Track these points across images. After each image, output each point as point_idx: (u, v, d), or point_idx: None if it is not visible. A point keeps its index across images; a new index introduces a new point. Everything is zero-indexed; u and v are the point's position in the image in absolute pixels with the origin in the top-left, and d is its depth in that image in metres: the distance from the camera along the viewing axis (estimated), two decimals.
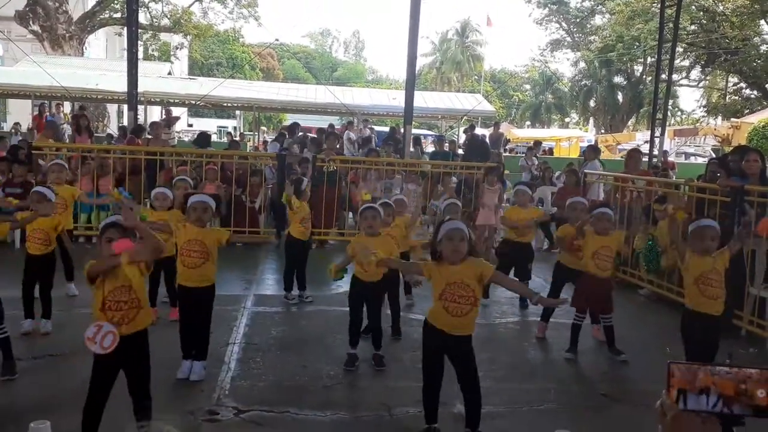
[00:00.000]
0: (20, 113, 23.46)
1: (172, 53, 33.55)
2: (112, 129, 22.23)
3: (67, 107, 20.16)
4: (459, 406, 4.16)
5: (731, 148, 10.09)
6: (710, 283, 4.17)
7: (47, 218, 5.22)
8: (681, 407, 1.16)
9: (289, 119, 28.63)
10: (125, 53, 12.64)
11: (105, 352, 3.15)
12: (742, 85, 35.28)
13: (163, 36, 32.44)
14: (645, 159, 14.36)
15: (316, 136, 12.73)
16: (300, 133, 13.37)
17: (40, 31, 26.03)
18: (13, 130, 17.97)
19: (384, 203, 5.55)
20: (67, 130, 15.34)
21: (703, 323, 4.22)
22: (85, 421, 3.25)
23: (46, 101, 18.16)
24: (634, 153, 9.39)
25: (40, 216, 5.08)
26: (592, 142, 27.80)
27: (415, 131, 22.45)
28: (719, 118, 35.99)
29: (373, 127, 24.78)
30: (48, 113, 16.82)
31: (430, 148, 18.52)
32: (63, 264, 6.06)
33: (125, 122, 14.40)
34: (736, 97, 35.57)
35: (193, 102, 20.75)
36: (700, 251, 4.22)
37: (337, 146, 11.77)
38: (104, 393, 3.30)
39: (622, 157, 17.78)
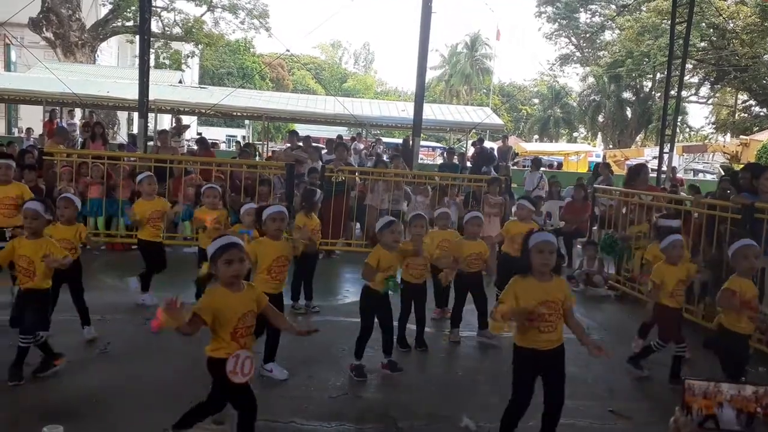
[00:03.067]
0: (31, 119, 23.65)
1: (183, 62, 33.75)
2: (122, 136, 22.34)
3: (78, 114, 20.29)
4: (466, 420, 4.15)
5: (740, 166, 10.06)
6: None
7: (70, 226, 5.16)
8: (696, 423, 1.15)
9: (298, 130, 28.72)
10: (137, 61, 12.74)
11: (246, 379, 3.21)
12: (752, 102, 35.25)
13: (175, 45, 32.63)
14: (653, 175, 14.35)
15: (323, 146, 12.77)
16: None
17: (53, 38, 26.26)
18: (24, 135, 18.12)
19: (417, 215, 5.56)
20: (79, 137, 15.47)
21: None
22: None
23: (57, 107, 18.29)
24: (640, 168, 9.37)
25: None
26: (601, 157, 27.82)
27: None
28: (728, 135, 35.93)
29: (381, 138, 24.89)
30: (59, 120, 16.93)
31: (438, 161, 18.56)
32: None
33: (135, 130, 14.48)
34: (746, 115, 35.53)
35: (203, 111, 20.86)
36: (744, 271, 4.31)
37: (348, 158, 11.81)
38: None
39: None
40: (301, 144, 11.97)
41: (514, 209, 9.65)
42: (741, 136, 26.55)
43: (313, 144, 12.74)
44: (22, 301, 4.48)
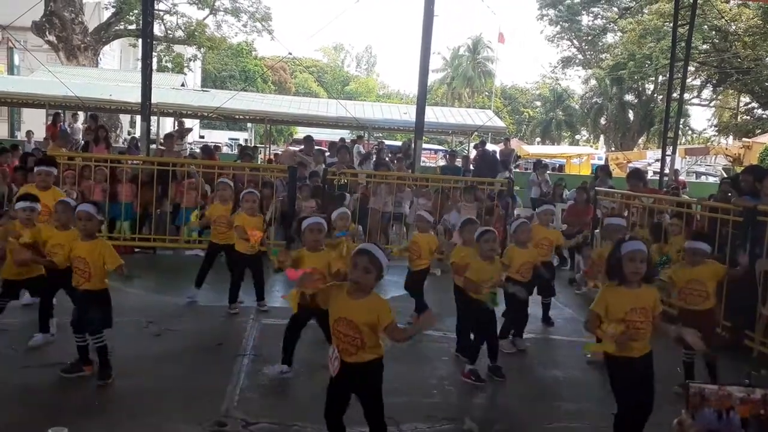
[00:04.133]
0: (34, 122, 23.70)
1: (185, 65, 33.83)
2: (124, 139, 22.39)
3: (80, 117, 20.34)
4: (469, 422, 4.15)
5: (742, 168, 10.06)
6: None
7: (67, 232, 4.98)
8: (700, 426, 1.15)
9: (299, 132, 28.76)
10: (139, 64, 12.76)
11: (334, 373, 3.30)
12: (754, 104, 35.23)
13: (177, 48, 32.71)
14: (655, 177, 14.36)
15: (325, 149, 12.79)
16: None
17: (56, 41, 26.35)
18: (25, 139, 18.15)
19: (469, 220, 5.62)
20: (82, 140, 15.49)
21: None
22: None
23: (60, 111, 18.34)
24: (633, 175, 9.45)
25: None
26: (603, 160, 27.81)
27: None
28: (730, 137, 35.91)
29: (383, 141, 24.90)
30: (62, 123, 16.96)
31: (441, 163, 18.56)
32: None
33: (137, 133, 14.51)
34: (748, 117, 35.50)
35: (206, 114, 20.89)
36: None
37: (350, 161, 11.83)
38: (335, 413, 3.44)
39: None
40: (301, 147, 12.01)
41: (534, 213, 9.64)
42: (743, 139, 26.53)
43: (316, 147, 12.75)
44: (83, 303, 4.52)
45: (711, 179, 25.78)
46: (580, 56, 43.35)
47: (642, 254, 3.57)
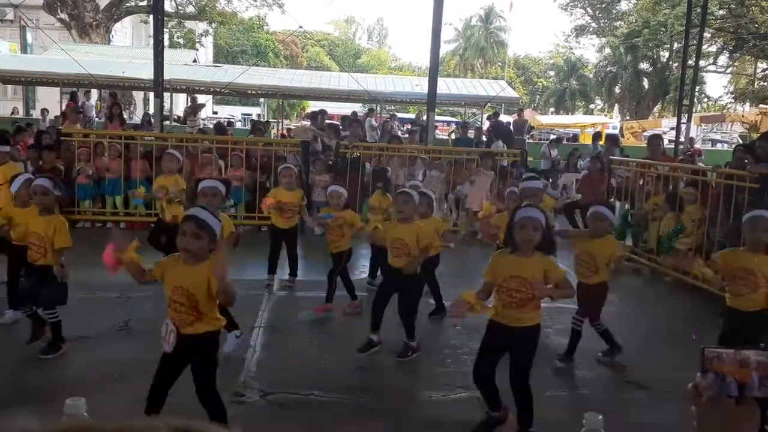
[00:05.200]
0: (48, 101, 23.81)
1: (197, 41, 33.70)
2: (138, 116, 22.44)
3: (94, 95, 20.40)
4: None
5: (759, 135, 9.93)
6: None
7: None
8: (717, 389, 1.15)
9: (312, 106, 28.69)
10: (151, 41, 12.76)
11: (169, 349, 3.21)
12: None
13: (189, 24, 32.56)
14: (671, 146, 14.22)
15: (338, 122, 12.77)
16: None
17: (67, 19, 26.31)
18: (40, 117, 18.26)
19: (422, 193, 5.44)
20: (95, 117, 15.56)
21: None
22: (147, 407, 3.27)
23: (76, 89, 18.39)
24: (653, 139, 9.33)
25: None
26: (617, 129, 27.54)
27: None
28: (747, 104, 35.33)
29: (396, 114, 24.77)
30: (81, 101, 17.00)
31: (453, 135, 18.46)
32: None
33: (152, 110, 14.54)
34: (765, 83, 34.85)
35: (218, 89, 20.87)
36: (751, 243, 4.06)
37: (362, 134, 11.81)
38: (163, 384, 3.31)
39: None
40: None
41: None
42: (760, 105, 26.13)
43: (328, 122, 12.73)
44: (38, 278, 4.52)
45: (727, 147, 25.45)
46: (593, 24, 42.63)
47: (535, 222, 3.44)
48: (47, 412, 3.25)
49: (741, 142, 17.49)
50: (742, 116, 25.50)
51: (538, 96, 53.38)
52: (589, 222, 5.06)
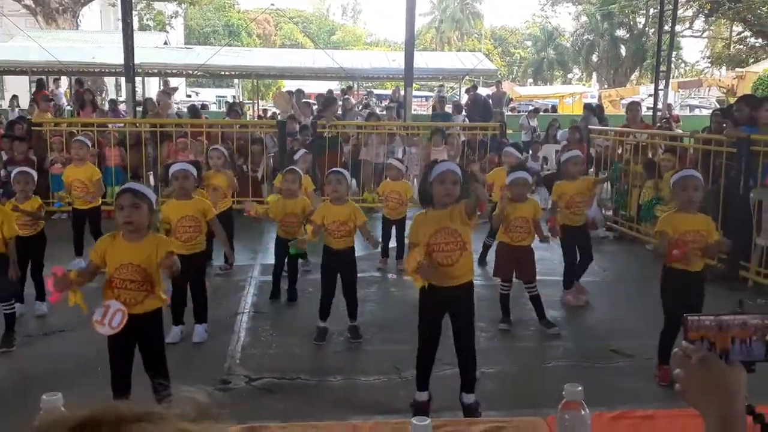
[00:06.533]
0: (18, 90, 23.30)
1: (167, 22, 33.11)
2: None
3: (64, 82, 19.98)
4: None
5: (736, 98, 9.97)
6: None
7: (27, 201, 5.00)
8: (705, 348, 1.15)
9: (287, 86, 28.38)
10: (120, 24, 12.47)
11: (114, 332, 3.11)
12: (747, 33, 34.69)
13: (158, 5, 31.97)
14: (649, 113, 14.24)
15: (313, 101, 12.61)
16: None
17: (33, 5, 25.68)
18: (9, 107, 17.83)
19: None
20: (66, 105, 15.25)
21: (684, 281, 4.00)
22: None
23: (43, 77, 18.00)
24: (632, 106, 9.30)
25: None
26: (596, 98, 27.57)
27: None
28: (723, 68, 35.53)
29: (372, 90, 24.56)
30: (48, 89, 16.64)
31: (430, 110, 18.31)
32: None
33: (123, 95, 14.29)
34: (741, 47, 35.03)
35: (191, 72, 20.53)
36: (684, 203, 3.97)
37: (338, 112, 11.67)
38: (124, 370, 3.27)
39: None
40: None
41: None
42: (737, 69, 26.27)
43: (304, 100, 12.57)
44: None
45: (705, 112, 25.62)
46: None
47: (454, 176, 3.38)
48: (23, 408, 3.19)
49: (718, 107, 17.57)
50: (719, 81, 25.61)
51: (516, 67, 53.29)
52: (511, 187, 5.05)
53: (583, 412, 1.68)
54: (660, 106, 14.27)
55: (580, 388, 1.68)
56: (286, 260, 5.62)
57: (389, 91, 22.47)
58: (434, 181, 3.39)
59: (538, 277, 5.11)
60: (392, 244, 6.76)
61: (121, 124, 10.32)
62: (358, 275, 4.99)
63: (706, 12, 34.66)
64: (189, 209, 4.59)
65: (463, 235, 3.40)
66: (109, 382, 3.30)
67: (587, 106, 13.37)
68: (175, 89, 18.02)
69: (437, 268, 3.39)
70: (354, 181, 10.51)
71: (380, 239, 6.55)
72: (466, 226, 3.39)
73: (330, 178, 4.81)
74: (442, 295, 3.45)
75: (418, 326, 3.66)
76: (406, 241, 6.62)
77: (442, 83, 22.68)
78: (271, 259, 6.88)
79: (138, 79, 15.28)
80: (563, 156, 6.10)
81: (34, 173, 5.27)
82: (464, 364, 3.59)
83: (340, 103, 13.14)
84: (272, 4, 17.43)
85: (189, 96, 34.09)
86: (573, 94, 32.27)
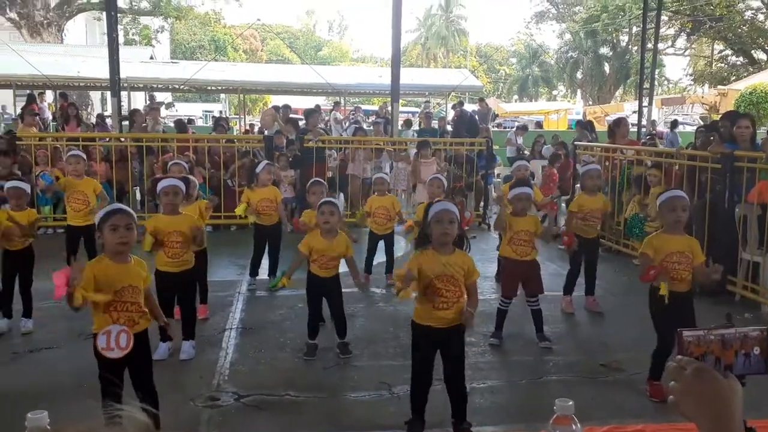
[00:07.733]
0: (3, 102, 23.11)
1: (153, 37, 33.02)
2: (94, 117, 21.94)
3: (49, 96, 19.83)
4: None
5: (719, 116, 10.08)
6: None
7: (23, 212, 4.99)
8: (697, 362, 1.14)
9: (273, 101, 28.38)
10: (106, 38, 12.42)
11: (123, 354, 3.06)
12: (728, 51, 35.29)
13: (144, 20, 31.89)
14: (634, 129, 14.38)
15: (299, 116, 12.56)
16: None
17: (17, 18, 25.55)
18: None
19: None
20: (50, 120, 15.13)
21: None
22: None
23: (31, 91, 17.86)
24: (621, 122, 9.36)
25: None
26: (581, 114, 27.83)
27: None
28: (706, 85, 36.03)
29: (360, 106, 24.62)
30: (36, 103, 16.48)
31: (416, 126, 18.36)
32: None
33: (109, 110, 14.19)
34: (723, 65, 35.59)
35: (177, 86, 20.48)
36: (671, 223, 3.97)
37: (321, 124, 11.64)
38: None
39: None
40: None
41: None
42: (719, 86, 26.60)
43: (291, 116, 12.54)
44: None
45: (688, 128, 25.92)
46: (553, 10, 43.06)
47: (451, 215, 3.36)
48: (8, 427, 3.12)
49: (702, 124, 17.78)
50: (702, 98, 25.93)
51: (501, 84, 53.76)
52: (514, 201, 5.09)
53: (574, 427, 1.67)
54: (644, 122, 14.43)
55: (571, 402, 1.67)
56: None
57: (376, 107, 22.54)
58: (431, 221, 3.40)
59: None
60: (380, 258, 6.75)
61: (107, 139, 10.22)
62: (346, 290, 4.96)
63: (687, 31, 35.24)
64: (178, 225, 4.54)
65: (462, 287, 3.44)
66: (94, 399, 3.23)
67: (580, 123, 13.51)
68: (161, 104, 17.96)
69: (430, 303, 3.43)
70: (342, 195, 10.50)
71: (365, 253, 6.61)
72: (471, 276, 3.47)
73: (323, 209, 4.56)
74: (434, 335, 3.49)
75: (411, 355, 3.68)
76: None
77: (428, 99, 22.80)
78: (258, 274, 6.82)
79: (123, 94, 15.20)
80: (581, 169, 6.33)
81: (27, 187, 5.20)
82: (455, 395, 3.59)
83: (327, 117, 13.15)
84: (258, 20, 17.47)
85: (176, 110, 33.87)
86: (558, 110, 32.57)
